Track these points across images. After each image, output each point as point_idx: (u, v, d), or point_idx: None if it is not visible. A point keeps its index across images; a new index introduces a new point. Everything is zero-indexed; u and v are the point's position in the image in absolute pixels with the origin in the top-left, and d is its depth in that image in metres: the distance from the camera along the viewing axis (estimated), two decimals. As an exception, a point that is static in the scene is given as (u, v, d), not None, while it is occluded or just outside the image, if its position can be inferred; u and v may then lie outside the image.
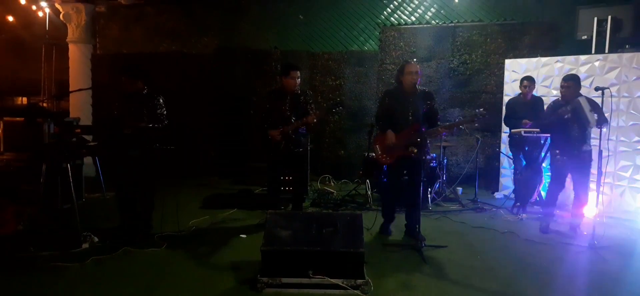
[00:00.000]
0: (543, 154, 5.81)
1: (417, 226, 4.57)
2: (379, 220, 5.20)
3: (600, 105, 4.92)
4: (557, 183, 5.21)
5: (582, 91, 5.39)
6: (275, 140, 5.07)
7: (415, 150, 4.60)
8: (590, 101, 4.89)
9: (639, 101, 5.84)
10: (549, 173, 5.44)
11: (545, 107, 5.88)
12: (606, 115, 4.80)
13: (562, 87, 5.03)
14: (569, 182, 5.29)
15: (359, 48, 8.63)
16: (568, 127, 4.92)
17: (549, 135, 5.43)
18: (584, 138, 4.94)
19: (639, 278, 4.00)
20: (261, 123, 5.24)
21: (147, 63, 4.91)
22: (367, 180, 6.45)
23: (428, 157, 5.04)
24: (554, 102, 5.31)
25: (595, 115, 4.77)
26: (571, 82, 4.95)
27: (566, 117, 4.87)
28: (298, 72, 5.09)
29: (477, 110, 4.69)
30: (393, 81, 5.48)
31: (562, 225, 5.34)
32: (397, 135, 4.74)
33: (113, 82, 8.11)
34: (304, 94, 5.22)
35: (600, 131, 4.70)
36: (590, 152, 4.99)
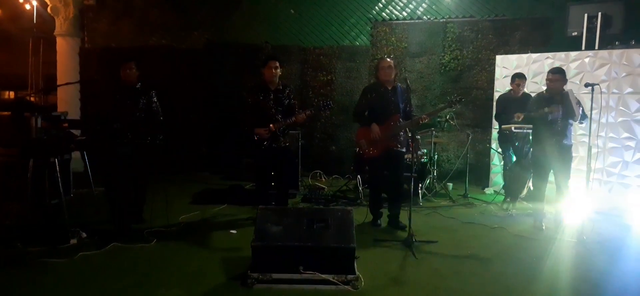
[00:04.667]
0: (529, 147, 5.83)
1: (403, 219, 4.67)
2: (370, 216, 5.28)
3: (583, 101, 4.96)
4: (541, 178, 5.20)
5: (573, 88, 5.43)
6: (262, 138, 5.01)
7: (397, 145, 4.94)
8: (574, 95, 4.92)
9: (628, 97, 5.89)
10: (531, 169, 5.44)
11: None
12: (595, 111, 4.83)
13: (549, 80, 4.98)
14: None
15: (350, 43, 8.61)
16: (552, 121, 4.89)
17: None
18: (566, 132, 4.94)
19: (627, 273, 4.05)
20: (245, 119, 5.12)
21: (136, 57, 4.87)
22: (358, 176, 6.45)
23: (409, 149, 5.20)
24: (538, 95, 5.26)
25: (580, 108, 4.80)
26: (559, 76, 4.92)
27: (550, 118, 4.84)
28: (276, 62, 5.01)
29: (453, 96, 5.07)
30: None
31: (549, 220, 5.37)
32: (380, 127, 4.92)
33: (102, 76, 8.04)
34: (288, 89, 5.16)
35: (589, 127, 4.73)
36: (570, 146, 5.01)
